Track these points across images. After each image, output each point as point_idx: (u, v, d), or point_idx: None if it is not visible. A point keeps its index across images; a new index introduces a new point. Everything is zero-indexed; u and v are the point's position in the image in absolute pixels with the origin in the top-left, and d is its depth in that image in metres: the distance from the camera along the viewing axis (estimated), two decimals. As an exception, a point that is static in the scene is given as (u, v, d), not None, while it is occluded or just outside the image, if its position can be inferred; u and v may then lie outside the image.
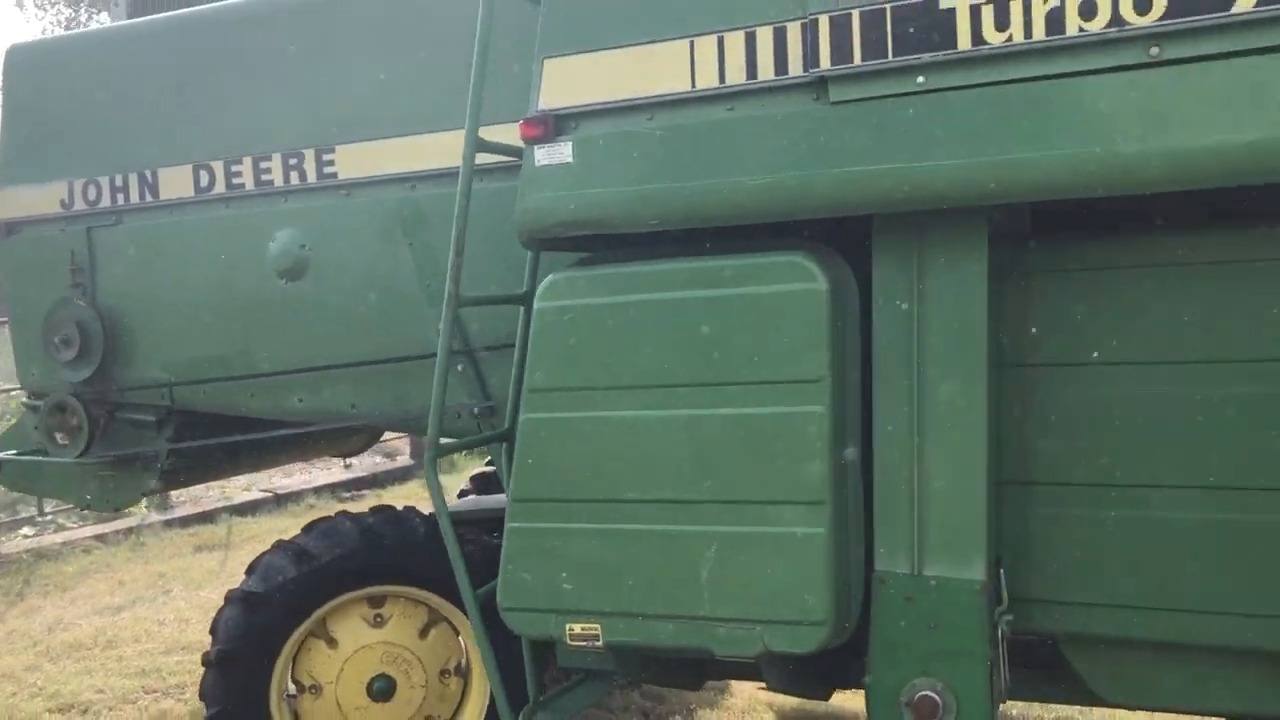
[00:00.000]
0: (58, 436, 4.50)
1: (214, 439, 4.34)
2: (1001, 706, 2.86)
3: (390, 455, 11.93)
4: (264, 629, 3.77)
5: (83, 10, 25.58)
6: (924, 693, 2.66)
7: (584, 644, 2.92)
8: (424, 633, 3.91)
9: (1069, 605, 2.75)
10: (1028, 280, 2.72)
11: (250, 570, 3.90)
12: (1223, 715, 2.80)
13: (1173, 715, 3.06)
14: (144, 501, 9.84)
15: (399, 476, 11.09)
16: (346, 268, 3.99)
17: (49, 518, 9.08)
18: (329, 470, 11.11)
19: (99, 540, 8.62)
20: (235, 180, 4.15)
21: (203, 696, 3.82)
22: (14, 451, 4.69)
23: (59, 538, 8.69)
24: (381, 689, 3.85)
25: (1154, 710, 3.09)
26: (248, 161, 4.11)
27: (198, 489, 10.59)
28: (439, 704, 3.93)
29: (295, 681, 3.92)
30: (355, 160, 3.94)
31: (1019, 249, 2.73)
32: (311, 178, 4.01)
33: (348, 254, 3.99)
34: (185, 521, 9.22)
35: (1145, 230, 2.63)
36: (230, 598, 3.85)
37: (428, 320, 3.72)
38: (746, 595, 2.71)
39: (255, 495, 10.10)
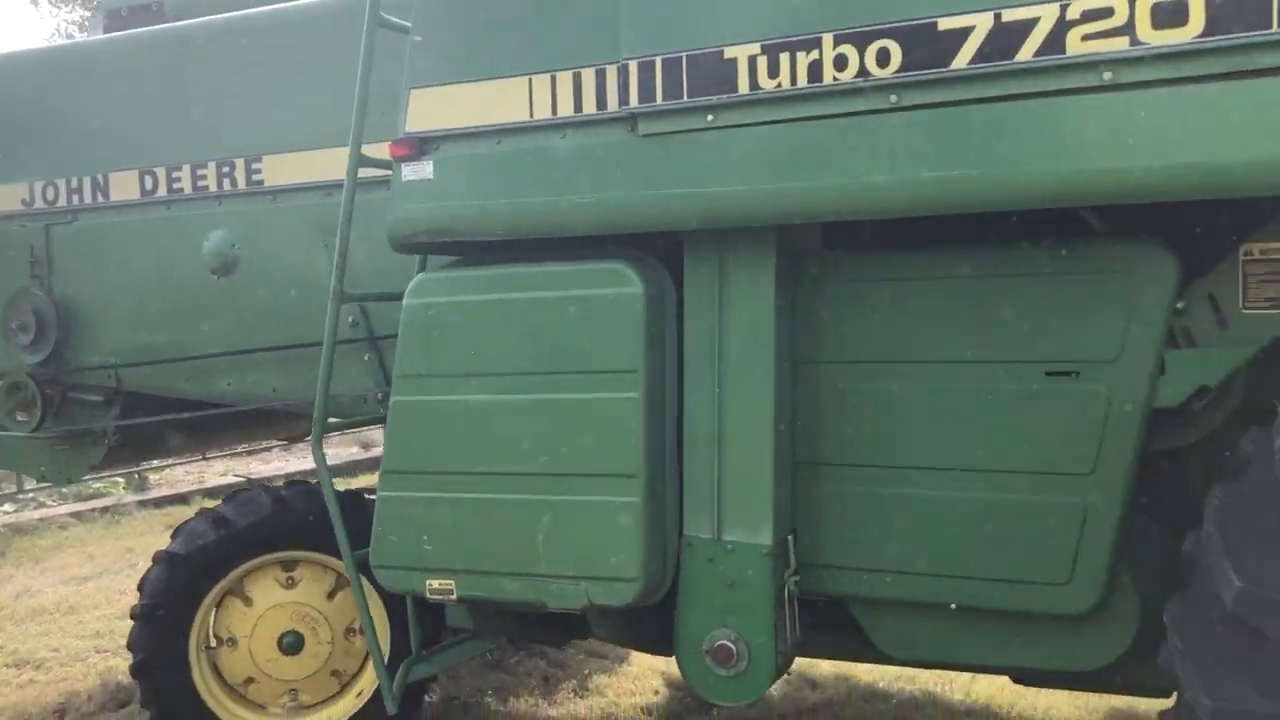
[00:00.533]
0: (15, 414, 4.96)
1: (154, 418, 4.79)
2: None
3: (366, 446, 12.38)
4: (184, 587, 4.22)
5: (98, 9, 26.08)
6: (721, 642, 3.10)
7: (441, 597, 3.36)
8: (331, 595, 4.35)
9: (852, 570, 3.17)
10: (817, 288, 3.15)
11: (175, 534, 4.35)
12: (970, 668, 3.22)
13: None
14: (121, 483, 10.36)
15: (372, 465, 11.54)
16: (271, 265, 4.44)
17: (29, 495, 9.56)
18: (305, 458, 11.56)
19: (75, 517, 9.09)
20: (175, 185, 4.60)
21: (129, 646, 4.27)
22: (-23, 429, 5.15)
23: (37, 514, 9.17)
24: (291, 644, 4.29)
25: (925, 667, 3.52)
26: (186, 169, 4.56)
27: (176, 473, 11.10)
28: (345, 659, 4.37)
29: (215, 635, 4.36)
30: (279, 169, 4.40)
31: (811, 261, 3.16)
32: (241, 184, 4.46)
33: (272, 253, 4.44)
34: (159, 502, 9.69)
35: (917, 247, 3.06)
36: (156, 558, 4.30)
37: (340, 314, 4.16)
38: (574, 556, 3.15)
39: (230, 480, 10.56)
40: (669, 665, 5.05)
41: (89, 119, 4.78)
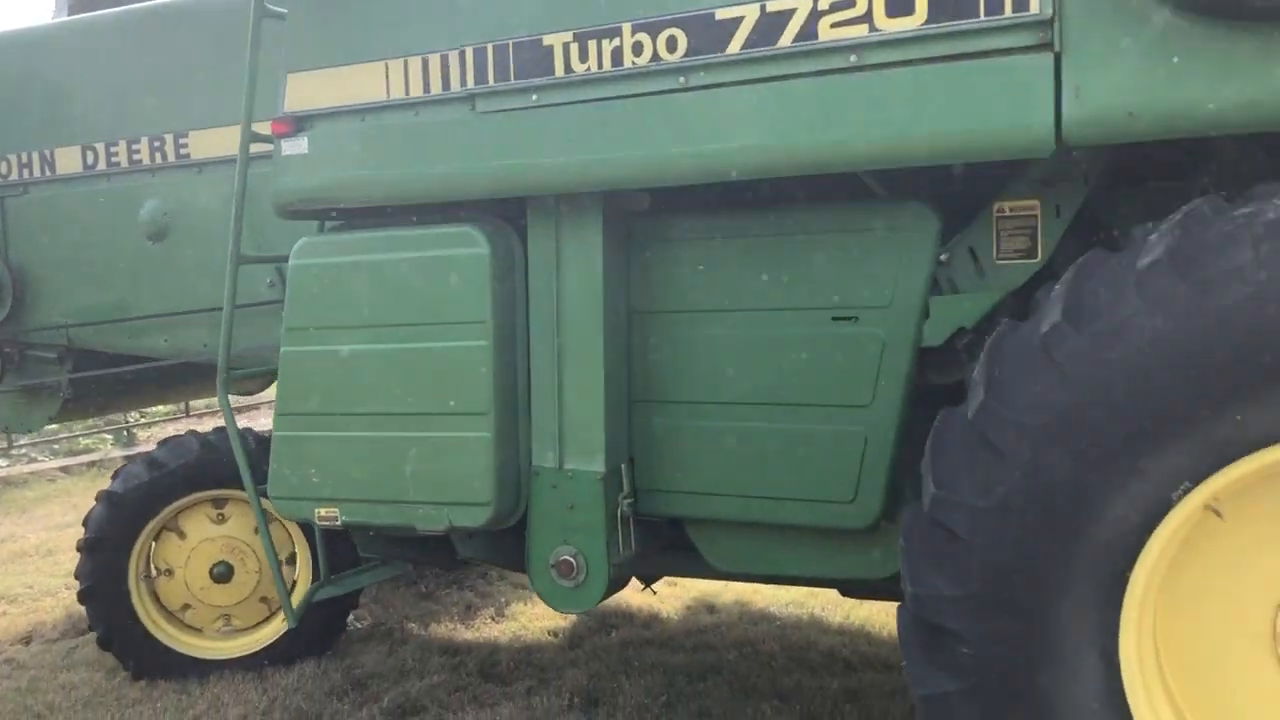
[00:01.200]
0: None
1: (98, 372, 5.25)
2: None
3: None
4: (122, 522, 4.70)
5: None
6: (564, 557, 3.54)
7: (328, 524, 3.81)
8: (258, 529, 4.82)
9: (682, 494, 3.60)
10: (645, 247, 3.56)
11: (114, 476, 4.82)
12: (786, 580, 3.64)
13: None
14: (109, 439, 10.88)
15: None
16: (198, 231, 4.87)
17: (22, 451, 10.10)
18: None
19: (64, 471, 9.62)
20: (114, 159, 5.02)
21: (76, 576, 4.76)
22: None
23: (28, 468, 9.71)
24: (221, 573, 4.78)
25: (750, 580, 3.95)
26: (123, 144, 4.99)
27: (168, 429, 11.60)
28: (272, 587, 4.84)
29: (154, 566, 4.85)
30: (204, 143, 4.82)
31: (639, 223, 3.57)
32: (171, 158, 4.89)
33: (199, 219, 4.87)
34: (146, 456, 10.18)
35: (726, 209, 3.46)
36: (98, 497, 4.78)
37: (257, 275, 4.60)
38: (436, 484, 3.59)
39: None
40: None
41: (37, 99, 5.20)
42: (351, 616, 5.19)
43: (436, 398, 3.57)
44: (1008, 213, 3.18)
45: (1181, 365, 2.33)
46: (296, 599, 4.73)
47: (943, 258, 3.22)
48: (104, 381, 5.33)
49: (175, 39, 4.82)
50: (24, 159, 5.25)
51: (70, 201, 5.17)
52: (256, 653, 4.85)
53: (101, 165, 5.06)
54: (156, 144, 4.92)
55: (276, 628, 4.88)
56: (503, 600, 5.67)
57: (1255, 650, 2.52)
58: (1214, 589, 2.56)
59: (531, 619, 5.40)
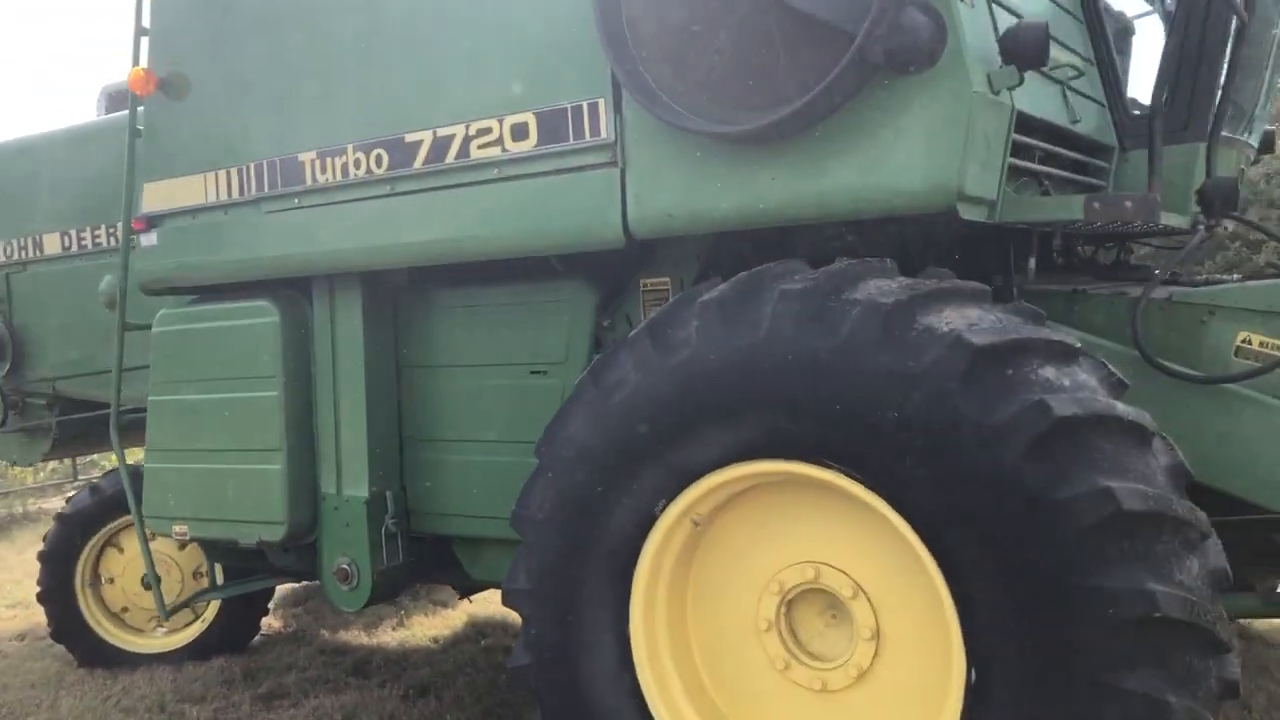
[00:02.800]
0: (-8, 413, 6.63)
1: (76, 416, 6.37)
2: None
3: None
4: (69, 538, 5.78)
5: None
6: (341, 565, 4.40)
7: (181, 538, 4.77)
8: (182, 546, 5.82)
9: (443, 515, 4.41)
10: (407, 314, 4.41)
11: (67, 501, 5.91)
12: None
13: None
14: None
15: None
16: (139, 300, 5.95)
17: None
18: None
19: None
20: (82, 242, 6.17)
21: (37, 582, 5.86)
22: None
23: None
24: (149, 582, 5.78)
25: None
26: (89, 230, 6.13)
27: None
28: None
29: (98, 575, 5.91)
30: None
31: (403, 294, 4.42)
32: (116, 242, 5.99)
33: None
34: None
35: (456, 284, 4.27)
36: (55, 517, 5.88)
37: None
38: (247, 507, 4.49)
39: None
40: (476, 608, 6.37)
41: (33, 194, 6.41)
42: (277, 623, 6.14)
43: (244, 437, 4.48)
44: (649, 287, 3.92)
45: (651, 409, 3.06)
46: (214, 606, 5.73)
47: (605, 323, 3.98)
48: (81, 424, 6.45)
49: (113, 147, 5.92)
50: (22, 242, 6.45)
51: (55, 277, 6.33)
52: (179, 649, 5.84)
53: (74, 247, 6.20)
54: (111, 230, 6.02)
55: (196, 628, 5.86)
56: (403, 613, 6.54)
57: (746, 633, 3.19)
58: (715, 584, 3.25)
59: (424, 629, 6.26)
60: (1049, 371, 2.69)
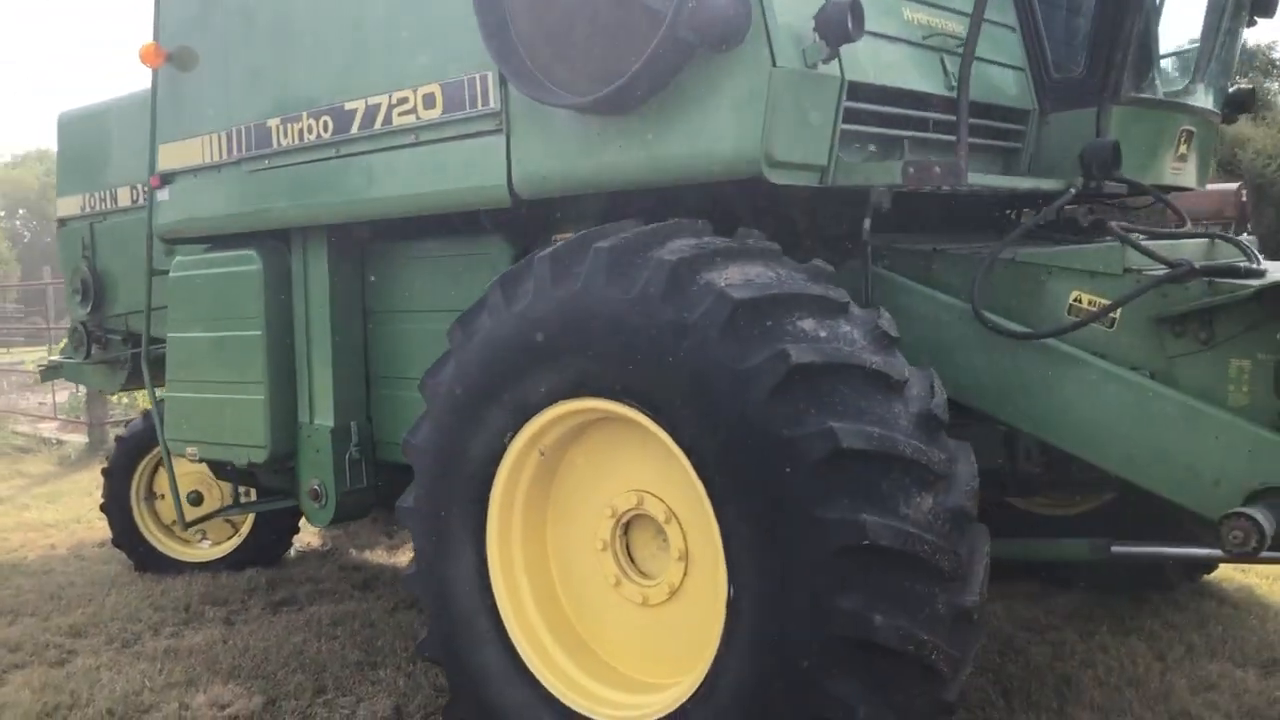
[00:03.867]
0: (76, 348, 7.51)
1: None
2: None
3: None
4: (126, 459, 6.57)
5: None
6: (313, 486, 4.97)
7: (193, 458, 5.44)
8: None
9: (397, 445, 4.92)
10: (371, 265, 4.91)
11: (126, 425, 6.70)
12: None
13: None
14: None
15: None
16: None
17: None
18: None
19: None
20: (145, 194, 6.91)
21: (101, 496, 6.69)
22: (61, 358, 7.80)
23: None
24: (194, 499, 6.52)
25: None
26: (140, 185, 6.86)
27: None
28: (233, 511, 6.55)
29: (152, 492, 6.70)
30: None
31: (369, 246, 4.91)
32: None
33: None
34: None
35: (414, 236, 4.73)
36: (115, 439, 6.68)
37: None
38: (238, 432, 5.11)
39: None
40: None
41: (108, 152, 7.19)
42: (316, 541, 6.82)
43: (236, 371, 5.09)
44: (558, 242, 4.30)
45: (497, 353, 3.47)
46: (250, 520, 6.45)
47: None
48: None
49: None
50: (102, 195, 7.25)
51: (127, 226, 7.09)
52: (219, 559, 6.58)
53: (140, 200, 6.95)
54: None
55: (234, 542, 6.59)
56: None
57: (589, 551, 3.59)
58: (568, 508, 3.65)
59: (438, 552, 6.82)
60: (808, 324, 2.97)
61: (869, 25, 3.36)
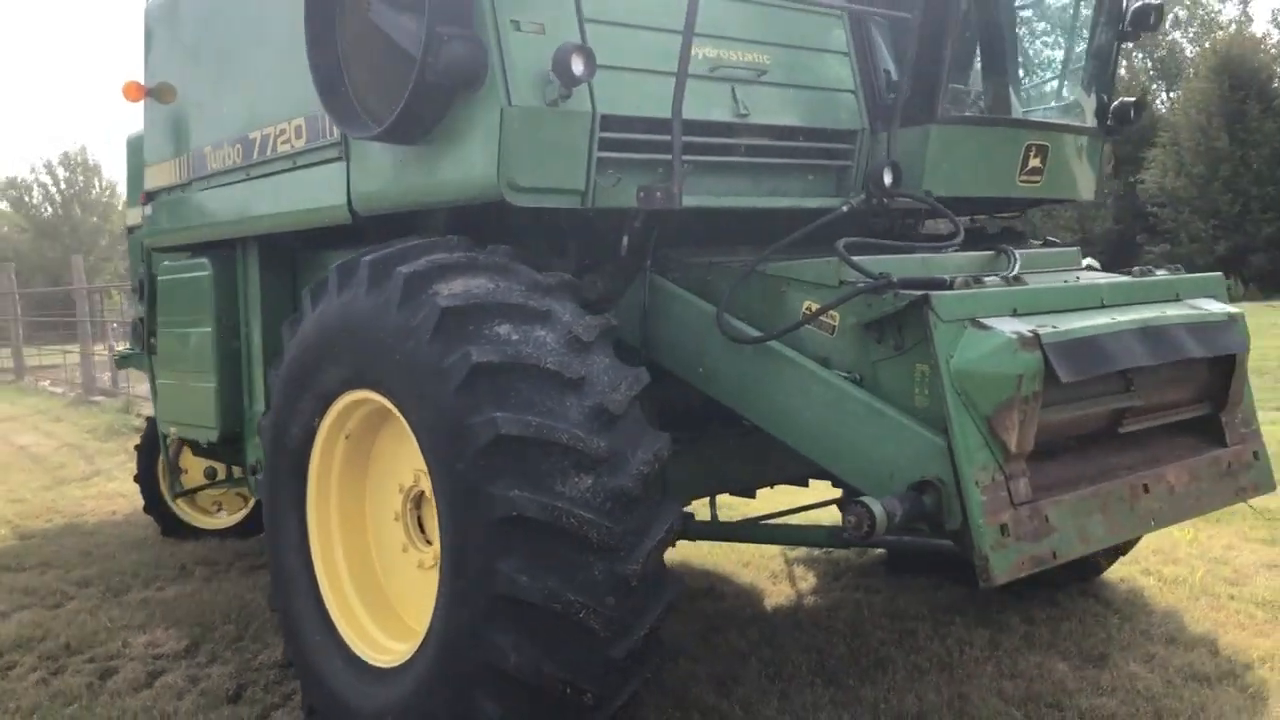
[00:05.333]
0: (134, 342, 8.56)
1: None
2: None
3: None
4: (153, 435, 7.52)
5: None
6: (253, 463, 5.71)
7: (172, 436, 6.29)
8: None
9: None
10: (298, 271, 5.59)
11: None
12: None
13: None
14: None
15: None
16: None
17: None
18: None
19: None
20: None
21: (136, 466, 7.69)
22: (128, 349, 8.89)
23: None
24: (210, 474, 7.40)
25: None
26: None
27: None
28: (243, 486, 7.41)
29: (178, 466, 7.63)
30: None
31: (297, 253, 5.61)
32: None
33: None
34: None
35: (332, 245, 5.38)
36: (146, 418, 7.66)
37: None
38: (195, 415, 5.91)
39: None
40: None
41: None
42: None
43: (195, 362, 5.90)
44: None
45: (305, 350, 4.10)
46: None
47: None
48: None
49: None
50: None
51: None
52: (230, 527, 7.47)
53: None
54: None
55: (244, 513, 7.46)
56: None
57: (390, 519, 4.17)
58: (381, 481, 4.24)
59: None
60: (504, 329, 3.47)
61: (648, 64, 3.81)
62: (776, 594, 5.85)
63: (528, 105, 3.72)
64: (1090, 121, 5.27)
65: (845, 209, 4.30)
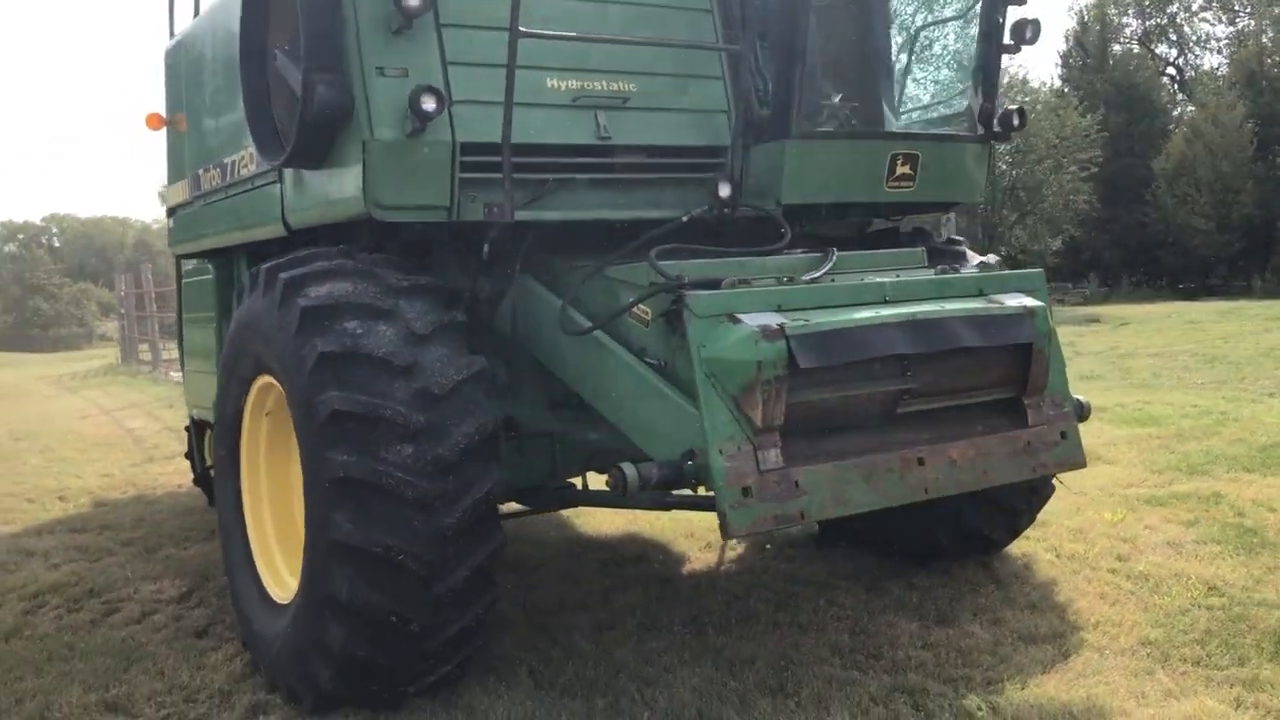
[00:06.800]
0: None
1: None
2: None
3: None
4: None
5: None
6: (248, 440, 6.66)
7: (191, 417, 7.30)
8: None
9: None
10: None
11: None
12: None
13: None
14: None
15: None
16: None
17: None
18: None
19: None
20: None
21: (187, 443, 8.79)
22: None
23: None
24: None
25: None
26: None
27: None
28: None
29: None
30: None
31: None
32: None
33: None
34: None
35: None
36: (196, 404, 8.76)
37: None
38: (203, 396, 6.87)
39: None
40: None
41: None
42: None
43: (204, 352, 6.89)
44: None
45: (232, 340, 4.98)
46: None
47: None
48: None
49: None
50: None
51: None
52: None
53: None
54: None
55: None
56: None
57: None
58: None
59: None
60: (351, 324, 4.23)
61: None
62: (699, 561, 6.48)
63: (388, 138, 4.47)
64: (967, 130, 5.72)
65: (685, 219, 4.91)
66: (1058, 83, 45.32)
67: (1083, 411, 5.00)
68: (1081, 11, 47.35)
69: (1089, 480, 7.92)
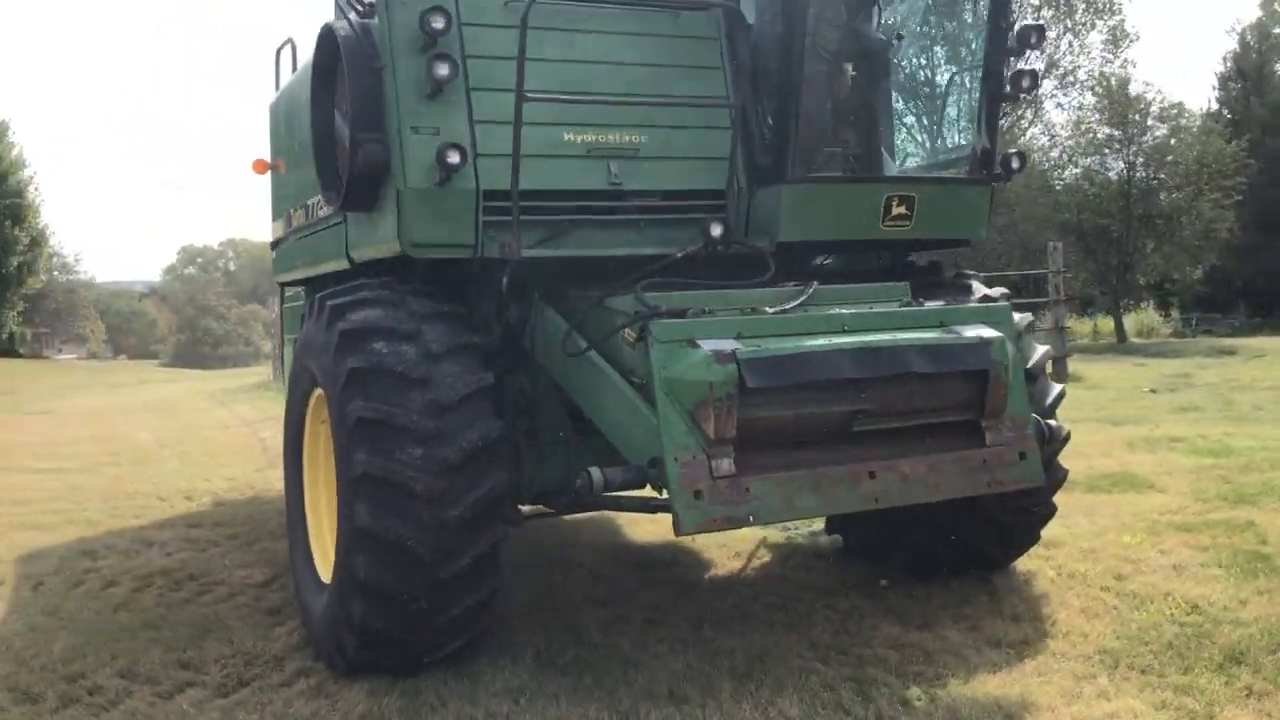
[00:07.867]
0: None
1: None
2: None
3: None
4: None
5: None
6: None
7: (291, 426, 8.26)
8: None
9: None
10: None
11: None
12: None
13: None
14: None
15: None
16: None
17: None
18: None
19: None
20: None
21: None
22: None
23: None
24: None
25: None
26: None
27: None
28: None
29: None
30: None
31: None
32: None
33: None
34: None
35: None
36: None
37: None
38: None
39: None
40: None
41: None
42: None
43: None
44: (413, 288, 6.53)
45: (297, 357, 5.82)
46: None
47: None
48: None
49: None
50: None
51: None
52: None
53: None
54: None
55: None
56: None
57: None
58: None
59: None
60: (379, 345, 4.99)
61: (525, 150, 5.19)
62: (724, 568, 7.03)
63: (420, 186, 5.23)
64: (966, 173, 6.18)
65: (680, 255, 5.52)
66: (1215, 105, 43.78)
67: (1054, 436, 5.40)
68: (1244, 32, 45.52)
69: (1128, 506, 8.16)
